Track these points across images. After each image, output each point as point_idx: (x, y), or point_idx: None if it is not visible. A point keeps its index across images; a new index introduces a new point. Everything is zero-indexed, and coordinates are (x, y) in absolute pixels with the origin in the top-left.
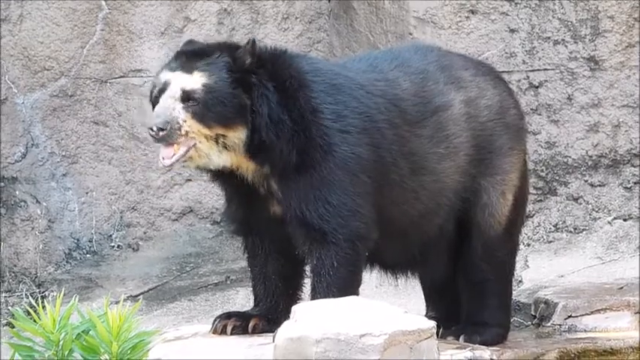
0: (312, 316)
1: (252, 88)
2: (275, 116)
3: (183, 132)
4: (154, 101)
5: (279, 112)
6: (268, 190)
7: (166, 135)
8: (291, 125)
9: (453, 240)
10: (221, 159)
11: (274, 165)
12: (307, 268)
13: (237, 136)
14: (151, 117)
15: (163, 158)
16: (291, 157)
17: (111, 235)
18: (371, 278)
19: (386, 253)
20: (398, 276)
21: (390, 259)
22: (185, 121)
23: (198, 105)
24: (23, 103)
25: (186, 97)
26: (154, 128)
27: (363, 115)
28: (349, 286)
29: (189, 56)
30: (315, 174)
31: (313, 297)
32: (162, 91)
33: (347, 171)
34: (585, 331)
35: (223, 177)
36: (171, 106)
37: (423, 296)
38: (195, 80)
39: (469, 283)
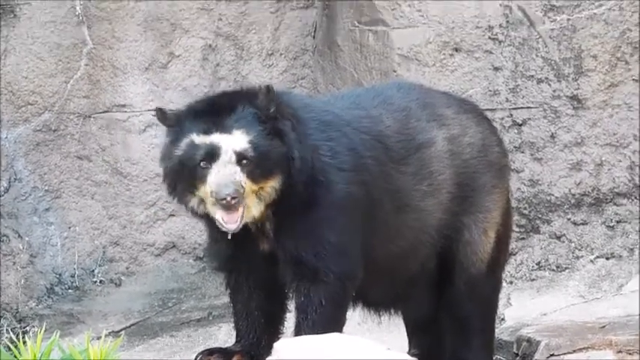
0: (293, 353)
1: (283, 136)
2: (305, 158)
3: (245, 194)
4: (198, 167)
5: (305, 154)
6: (259, 229)
7: (237, 202)
8: (310, 167)
9: (435, 277)
10: (257, 211)
11: (280, 207)
12: (290, 304)
13: (273, 185)
14: (218, 185)
15: (228, 223)
16: (303, 197)
17: (93, 270)
18: (353, 315)
19: (369, 290)
20: (381, 313)
21: (373, 297)
22: (245, 183)
23: (251, 164)
24: (7, 137)
25: (241, 158)
26: (228, 198)
27: (353, 152)
28: (334, 325)
29: (216, 114)
30: (315, 212)
31: (297, 334)
32: (212, 156)
33: (343, 209)
34: None
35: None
36: (232, 171)
37: (405, 333)
38: (240, 139)
39: (452, 320)
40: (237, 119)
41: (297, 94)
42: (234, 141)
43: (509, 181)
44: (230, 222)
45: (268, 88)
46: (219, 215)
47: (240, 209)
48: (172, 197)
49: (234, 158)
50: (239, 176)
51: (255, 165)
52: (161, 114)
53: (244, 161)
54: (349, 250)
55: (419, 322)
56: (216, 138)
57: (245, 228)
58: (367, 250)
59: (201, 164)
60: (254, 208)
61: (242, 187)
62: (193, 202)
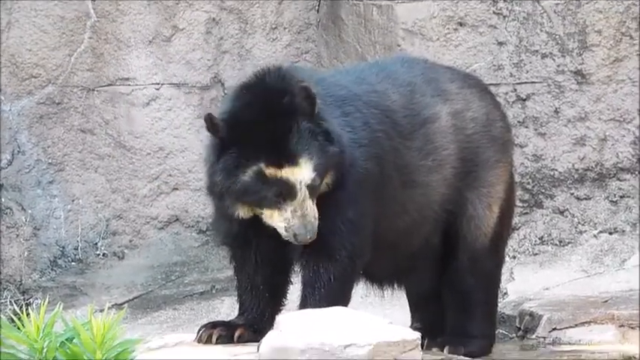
0: (296, 327)
1: (331, 136)
2: (345, 144)
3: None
4: (268, 197)
5: (343, 139)
6: None
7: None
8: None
9: (438, 252)
10: None
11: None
12: (294, 278)
13: (327, 181)
14: (298, 228)
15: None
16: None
17: (96, 243)
18: (357, 289)
19: (373, 265)
20: (384, 288)
21: (378, 272)
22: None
23: (318, 186)
24: (10, 110)
25: (312, 189)
26: (304, 238)
27: (367, 126)
28: (340, 302)
29: (277, 137)
30: (336, 190)
31: (302, 308)
32: (287, 194)
33: (362, 187)
34: (569, 343)
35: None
36: (310, 211)
37: (408, 307)
38: (308, 170)
39: (455, 294)
40: (298, 144)
41: (309, 69)
42: (303, 174)
43: (513, 155)
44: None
45: (307, 91)
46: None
47: None
48: (214, 200)
49: (307, 193)
50: (315, 210)
51: (320, 182)
52: (211, 123)
53: (315, 187)
54: (362, 229)
55: (421, 297)
56: (287, 173)
57: None
58: (374, 226)
59: (274, 199)
60: None
61: (315, 218)
62: (243, 211)
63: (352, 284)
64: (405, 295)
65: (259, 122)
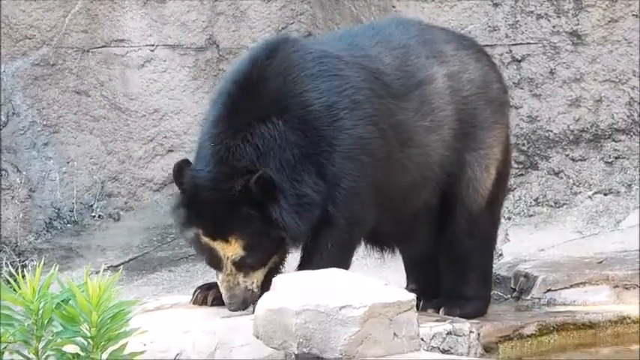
0: (292, 288)
1: (275, 221)
2: (296, 220)
3: (257, 289)
4: (205, 261)
5: (309, 194)
6: None
7: (248, 305)
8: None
9: (436, 214)
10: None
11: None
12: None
13: (280, 255)
14: (230, 299)
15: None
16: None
17: (92, 205)
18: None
19: (375, 227)
20: (382, 249)
21: (378, 233)
22: (253, 282)
23: (252, 262)
24: (4, 71)
25: (240, 265)
26: (233, 309)
27: (354, 90)
28: (339, 268)
29: (216, 212)
30: (327, 157)
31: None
32: (215, 265)
33: (352, 156)
34: (564, 304)
35: None
36: (238, 282)
37: (403, 269)
38: (236, 248)
39: (451, 256)
40: (232, 223)
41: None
42: (231, 250)
43: (510, 117)
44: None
45: (262, 180)
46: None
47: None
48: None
49: (234, 270)
50: (243, 282)
51: (255, 260)
52: (176, 175)
53: (244, 264)
54: (359, 195)
55: (417, 259)
56: (218, 246)
57: None
58: (374, 189)
59: (211, 266)
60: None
61: (248, 288)
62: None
63: (352, 251)
64: (400, 258)
65: (211, 192)
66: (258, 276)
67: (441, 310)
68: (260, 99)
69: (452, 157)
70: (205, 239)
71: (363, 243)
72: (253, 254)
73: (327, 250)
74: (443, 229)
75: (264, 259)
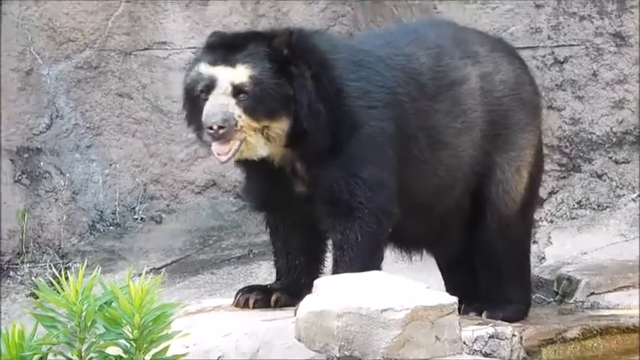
0: (333, 291)
1: (293, 79)
2: (314, 107)
3: (238, 127)
4: (200, 97)
5: (317, 102)
6: (293, 171)
7: (225, 132)
8: (325, 113)
9: (468, 216)
10: (264, 150)
11: (306, 150)
12: (329, 242)
13: (281, 127)
14: (206, 115)
15: (219, 154)
16: (325, 143)
17: (134, 208)
18: (390, 255)
19: (403, 228)
20: (412, 252)
21: (407, 235)
22: (240, 117)
23: (249, 99)
24: (48, 74)
25: (237, 91)
26: (214, 127)
27: (385, 88)
28: (372, 261)
29: (226, 48)
30: (345, 153)
31: (335, 271)
32: (209, 87)
33: (374, 146)
34: (608, 308)
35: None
36: (224, 102)
37: (437, 273)
38: (242, 73)
39: (485, 259)
40: (245, 55)
41: (329, 34)
42: (234, 74)
43: (542, 120)
44: (221, 153)
45: (289, 32)
46: (213, 147)
47: (234, 142)
48: (191, 131)
49: (229, 90)
50: (232, 108)
51: (254, 100)
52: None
53: (242, 95)
54: (383, 186)
55: (453, 262)
56: (217, 70)
57: (278, 170)
58: (403, 187)
59: (202, 95)
60: (260, 147)
61: (234, 119)
62: (206, 137)
63: (381, 243)
64: (433, 261)
65: (222, 42)
66: (247, 125)
67: (484, 314)
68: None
69: (482, 159)
70: (205, 67)
71: (391, 245)
72: (256, 91)
73: (357, 243)
74: (475, 231)
75: (262, 110)
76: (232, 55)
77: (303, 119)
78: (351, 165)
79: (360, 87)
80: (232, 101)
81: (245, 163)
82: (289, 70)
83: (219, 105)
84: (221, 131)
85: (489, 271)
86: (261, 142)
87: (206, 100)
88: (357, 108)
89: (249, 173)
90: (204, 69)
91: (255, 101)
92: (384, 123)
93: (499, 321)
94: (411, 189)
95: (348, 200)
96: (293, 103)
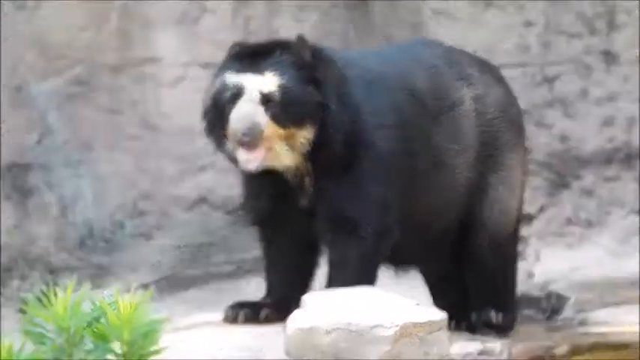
0: (322, 306)
1: (320, 86)
2: (339, 114)
3: (265, 135)
4: (225, 106)
5: (341, 110)
6: (301, 185)
7: (253, 139)
8: (346, 124)
9: (457, 235)
10: (289, 159)
11: (322, 161)
12: (322, 258)
13: (306, 135)
14: (234, 122)
15: (247, 161)
16: (342, 156)
17: (124, 223)
18: (384, 272)
19: (402, 247)
20: (402, 270)
21: (401, 254)
22: (267, 125)
23: (277, 106)
24: (38, 90)
25: (266, 99)
26: (239, 134)
27: (396, 108)
28: (366, 280)
29: (252, 57)
30: (355, 170)
31: (328, 286)
32: (236, 95)
33: (384, 166)
34: (597, 324)
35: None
36: (252, 110)
37: (423, 290)
38: (270, 81)
39: (476, 275)
40: (272, 62)
41: (332, 48)
42: (262, 81)
43: (526, 139)
44: (248, 161)
45: (302, 38)
46: (239, 154)
47: (260, 150)
48: (211, 141)
49: (258, 98)
50: (260, 116)
51: (282, 108)
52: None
53: (270, 103)
54: (388, 207)
55: (441, 278)
56: (245, 78)
57: (286, 183)
58: (405, 207)
59: (228, 105)
60: (284, 156)
61: (260, 127)
62: (228, 146)
63: (378, 263)
64: (420, 278)
65: (246, 51)
66: (274, 133)
67: (472, 329)
68: None
69: (475, 179)
70: (232, 76)
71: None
72: (285, 98)
73: (355, 262)
74: (466, 248)
75: (290, 118)
76: (259, 63)
77: (329, 127)
78: (359, 183)
79: (373, 105)
80: (260, 109)
81: (251, 176)
82: (315, 76)
83: (247, 112)
84: (249, 138)
85: (479, 286)
86: (285, 151)
87: (232, 109)
88: (370, 126)
89: (253, 186)
90: (231, 78)
91: (284, 109)
92: (394, 143)
93: (488, 337)
94: (412, 209)
95: (352, 218)
96: (320, 109)
